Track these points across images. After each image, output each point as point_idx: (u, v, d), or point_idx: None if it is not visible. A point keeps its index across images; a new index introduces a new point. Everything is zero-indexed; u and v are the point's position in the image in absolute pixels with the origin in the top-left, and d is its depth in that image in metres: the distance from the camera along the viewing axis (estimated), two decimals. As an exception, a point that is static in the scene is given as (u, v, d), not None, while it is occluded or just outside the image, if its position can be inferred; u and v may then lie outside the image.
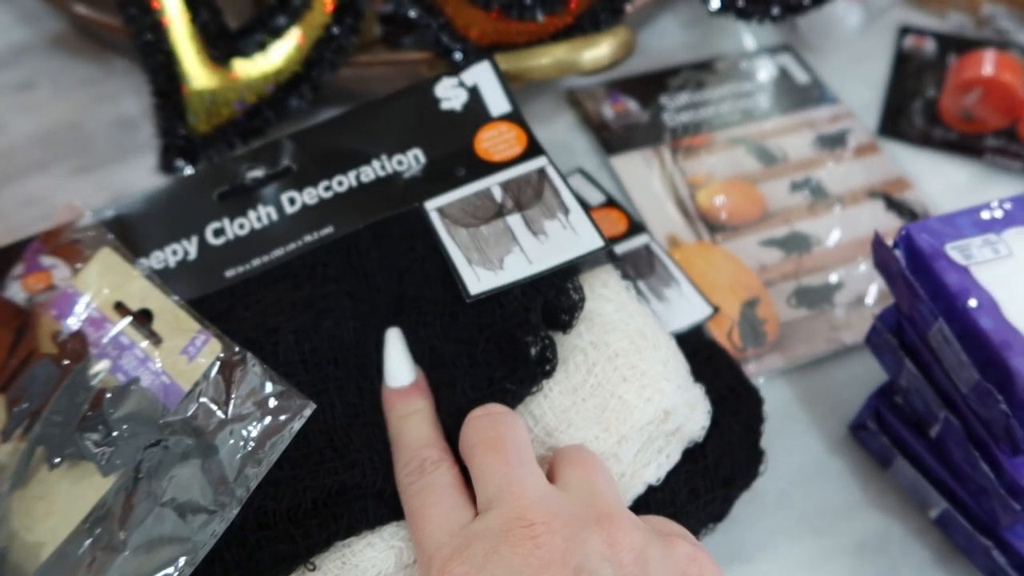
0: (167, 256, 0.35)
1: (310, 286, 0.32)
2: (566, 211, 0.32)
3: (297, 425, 0.26)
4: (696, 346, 0.36)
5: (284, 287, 0.32)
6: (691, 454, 0.33)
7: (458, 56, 0.43)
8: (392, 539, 0.28)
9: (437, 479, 0.27)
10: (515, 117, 0.36)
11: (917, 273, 0.32)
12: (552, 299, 0.30)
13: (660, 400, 0.30)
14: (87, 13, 0.46)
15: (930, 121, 0.50)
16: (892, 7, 0.55)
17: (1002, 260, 0.32)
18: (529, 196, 0.33)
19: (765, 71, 0.52)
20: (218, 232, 0.36)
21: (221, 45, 0.43)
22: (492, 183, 0.34)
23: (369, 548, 0.27)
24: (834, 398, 0.39)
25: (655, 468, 0.32)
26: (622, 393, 0.30)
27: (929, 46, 0.54)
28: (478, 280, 0.31)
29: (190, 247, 0.35)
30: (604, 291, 0.33)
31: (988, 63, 0.48)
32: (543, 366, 0.29)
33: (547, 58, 0.42)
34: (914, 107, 0.51)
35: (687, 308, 0.38)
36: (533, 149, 0.35)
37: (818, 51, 0.54)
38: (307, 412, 0.26)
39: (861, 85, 0.52)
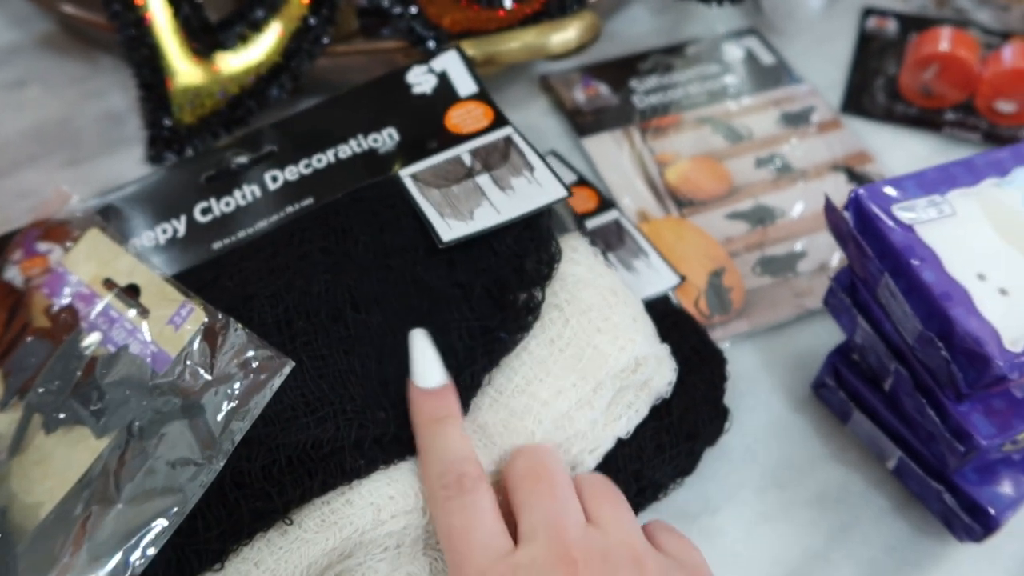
0: (157, 235, 0.37)
1: (287, 251, 0.33)
2: (531, 168, 0.34)
3: (277, 382, 0.27)
4: (663, 312, 0.38)
5: (264, 256, 0.34)
6: (657, 411, 0.35)
7: (431, 44, 0.45)
8: (370, 496, 0.29)
9: (479, 500, 0.28)
10: (482, 96, 0.39)
11: (865, 233, 0.34)
12: (533, 250, 0.32)
13: (632, 349, 0.32)
14: (74, 12, 0.47)
15: (891, 97, 0.52)
16: (853, -12, 0.57)
17: (945, 219, 0.34)
18: (496, 159, 0.35)
19: (731, 54, 0.54)
20: (205, 211, 0.38)
21: (203, 39, 0.45)
22: (462, 151, 0.36)
23: (348, 505, 0.29)
24: (797, 360, 0.41)
25: (625, 421, 0.33)
26: (597, 343, 0.32)
27: (891, 26, 0.56)
28: (450, 229, 0.33)
29: (179, 226, 0.37)
30: (575, 255, 0.35)
31: (944, 40, 0.50)
32: (528, 316, 0.31)
33: (516, 42, 0.44)
34: (876, 84, 0.53)
35: (655, 278, 0.40)
36: (500, 121, 0.37)
37: (783, 34, 0.55)
38: (286, 370, 0.27)
39: (825, 65, 0.54)
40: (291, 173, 0.38)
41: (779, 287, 0.42)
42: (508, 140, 0.36)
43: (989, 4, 0.55)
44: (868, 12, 0.57)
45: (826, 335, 0.41)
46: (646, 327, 0.33)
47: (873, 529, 0.36)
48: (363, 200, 0.35)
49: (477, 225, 0.33)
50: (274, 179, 0.38)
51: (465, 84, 0.40)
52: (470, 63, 0.40)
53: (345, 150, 0.38)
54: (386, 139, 0.38)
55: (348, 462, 0.28)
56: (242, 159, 0.39)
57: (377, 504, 0.29)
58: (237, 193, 0.38)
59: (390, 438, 0.29)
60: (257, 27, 0.45)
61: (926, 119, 0.51)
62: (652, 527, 0.31)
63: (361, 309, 0.31)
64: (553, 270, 0.32)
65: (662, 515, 0.35)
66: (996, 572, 0.35)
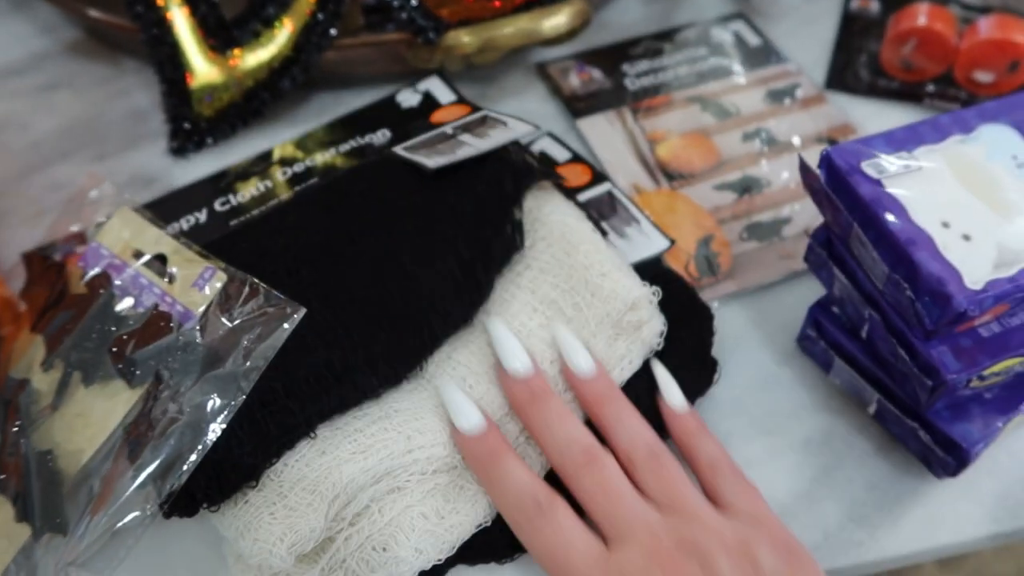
0: (181, 224, 0.42)
1: (294, 215, 0.37)
2: (504, 123, 0.39)
3: (289, 326, 0.30)
4: (655, 273, 0.40)
5: (274, 222, 0.38)
6: (651, 363, 0.37)
7: (432, 35, 0.48)
8: (402, 427, 0.32)
9: (560, 514, 0.31)
10: (461, 101, 0.45)
11: (836, 189, 0.36)
12: (510, 173, 0.37)
13: (628, 291, 0.35)
14: (100, 15, 0.51)
15: (874, 73, 0.54)
16: (836, -28, 0.60)
17: (912, 173, 0.36)
18: (474, 127, 0.39)
19: (719, 37, 0.56)
20: (224, 203, 0.43)
21: (220, 35, 0.48)
22: (445, 127, 0.41)
23: (382, 432, 0.31)
24: (783, 317, 0.43)
25: (618, 372, 0.36)
26: (599, 282, 0.35)
27: (874, 6, 0.58)
28: (435, 162, 0.38)
29: (201, 216, 0.43)
30: (566, 207, 0.38)
31: (921, 15, 0.52)
32: (515, 235, 0.35)
33: (511, 27, 0.46)
34: (859, 61, 0.55)
35: (647, 242, 0.43)
36: (476, 110, 0.40)
37: (769, 17, 0.58)
38: (298, 315, 0.30)
39: (811, 45, 0.56)
40: (298, 167, 0.43)
41: (765, 251, 0.45)
42: (486, 117, 0.40)
43: (968, -18, 0.57)
44: (851, -6, 0.59)
45: (809, 293, 0.43)
46: (632, 272, 0.36)
47: (856, 470, 0.38)
48: (360, 170, 0.39)
49: (459, 156, 0.37)
50: (284, 173, 0.43)
51: (446, 95, 0.46)
52: (450, 81, 0.47)
53: (344, 147, 0.43)
54: (380, 137, 0.44)
55: (360, 379, 0.30)
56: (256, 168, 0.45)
57: (407, 434, 0.32)
58: (252, 188, 0.43)
59: (395, 353, 0.32)
60: (269, 23, 0.48)
61: (908, 92, 0.53)
62: (711, 473, 0.34)
63: (358, 243, 0.35)
64: (527, 188, 0.37)
65: (655, 461, 0.38)
66: (973, 507, 0.37)
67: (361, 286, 0.33)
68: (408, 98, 0.48)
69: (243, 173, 0.45)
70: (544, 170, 0.39)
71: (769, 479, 0.38)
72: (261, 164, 0.46)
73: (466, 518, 0.32)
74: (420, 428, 0.31)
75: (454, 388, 0.33)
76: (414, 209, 0.36)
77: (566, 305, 0.35)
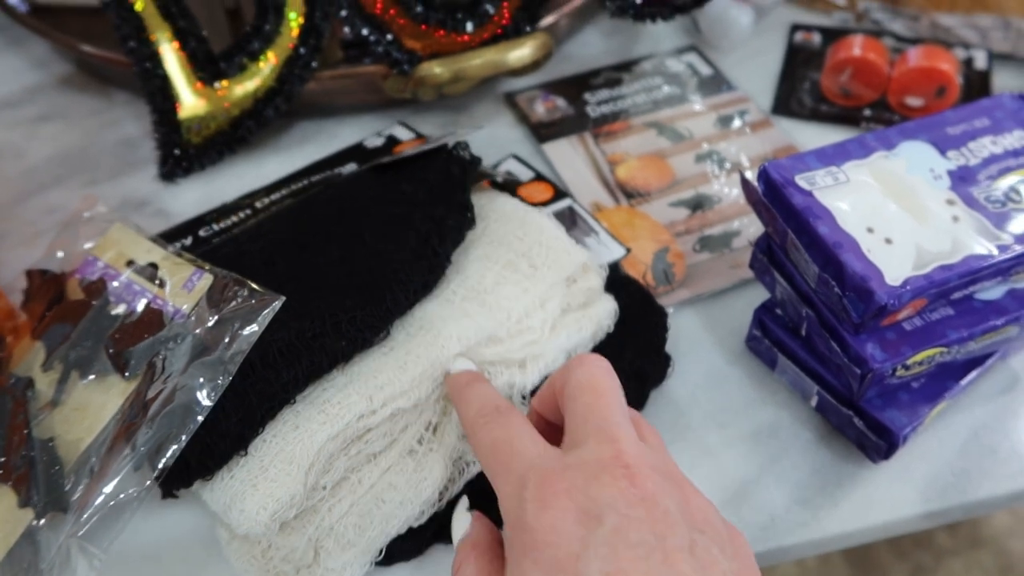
0: (167, 252, 0.45)
1: (270, 224, 0.42)
2: (452, 135, 0.44)
3: (270, 313, 0.33)
4: (613, 277, 0.44)
5: (253, 231, 0.42)
6: (610, 357, 0.40)
7: (406, 67, 0.52)
8: (363, 388, 0.34)
9: (515, 418, 0.30)
10: (417, 136, 0.51)
11: (773, 200, 0.40)
12: (456, 163, 0.41)
13: (576, 255, 0.39)
14: (91, 50, 0.54)
15: (816, 99, 0.58)
16: (777, 6, 0.65)
17: (840, 185, 0.40)
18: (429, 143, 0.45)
19: (674, 68, 0.61)
20: (206, 230, 0.47)
21: (208, 68, 0.51)
22: (404, 151, 0.45)
23: (345, 397, 0.34)
24: (732, 321, 0.46)
25: (565, 337, 0.39)
26: (553, 244, 0.39)
27: (816, 39, 0.63)
28: (390, 158, 0.44)
29: (186, 241, 0.47)
30: (507, 199, 0.43)
31: (856, 46, 0.57)
32: (467, 212, 0.39)
33: (479, 59, 0.50)
34: (803, 89, 0.59)
35: (605, 251, 0.46)
36: (431, 143, 0.45)
37: (720, 50, 0.62)
38: (277, 304, 0.33)
39: (758, 74, 0.61)
40: (277, 195, 0.47)
41: (716, 261, 0.48)
42: (437, 138, 0.46)
43: (901, 15, 0.63)
44: (795, 28, 0.64)
45: (756, 298, 0.46)
46: (578, 245, 0.41)
47: (801, 458, 0.41)
48: (326, 184, 0.45)
49: (410, 152, 0.42)
50: (260, 201, 0.47)
51: (406, 135, 0.52)
52: (409, 126, 0.53)
53: (316, 177, 0.48)
54: (347, 169, 0.49)
55: (329, 343, 0.33)
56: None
57: (368, 394, 0.34)
58: (233, 218, 0.47)
59: (360, 316, 0.35)
60: (254, 56, 0.51)
61: (846, 116, 0.57)
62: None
63: (325, 233, 0.39)
64: (472, 174, 0.41)
65: (616, 453, 0.41)
66: (907, 489, 0.40)
67: (329, 266, 0.37)
68: (373, 141, 0.53)
69: (223, 211, 0.49)
70: (488, 171, 0.45)
71: (722, 467, 0.41)
72: (241, 201, 0.50)
73: (439, 473, 0.34)
74: (380, 384, 0.34)
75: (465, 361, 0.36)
76: (373, 200, 0.40)
77: (522, 264, 0.39)
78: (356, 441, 0.33)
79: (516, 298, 0.38)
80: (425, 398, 0.35)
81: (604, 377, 0.30)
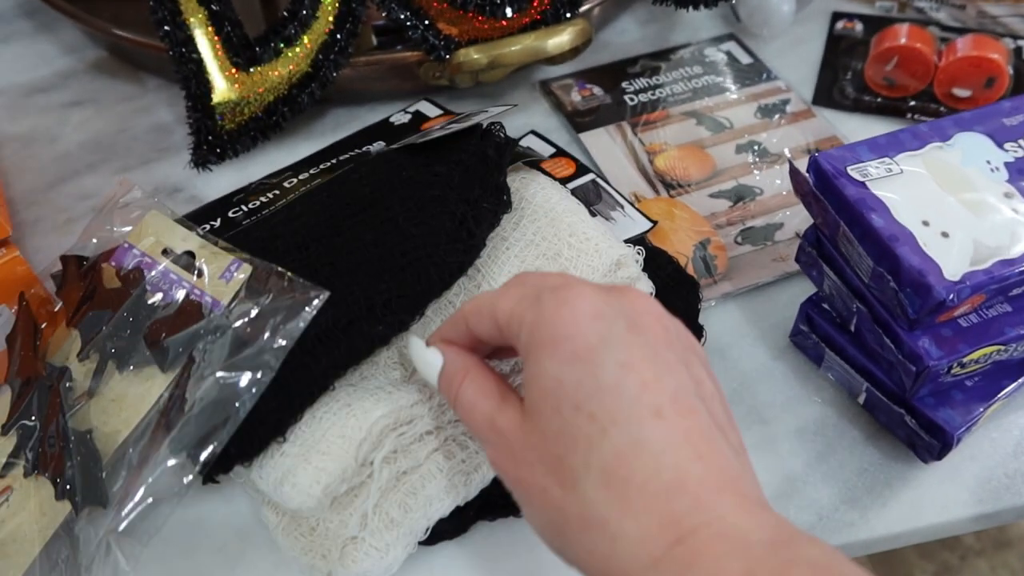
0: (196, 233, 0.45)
1: (302, 206, 0.41)
2: (485, 111, 0.44)
3: (313, 308, 0.33)
4: (642, 249, 0.43)
5: (284, 213, 0.41)
6: None
7: (443, 53, 0.51)
8: (414, 380, 0.34)
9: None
10: (445, 113, 0.49)
11: (824, 191, 0.39)
12: (492, 144, 0.41)
13: (609, 251, 0.38)
14: (123, 34, 0.54)
15: (859, 90, 0.57)
16: (820, -6, 0.63)
17: (894, 177, 0.39)
18: (458, 121, 0.44)
19: (713, 56, 0.59)
20: (235, 211, 0.46)
21: (242, 53, 0.51)
22: (433, 128, 0.45)
23: (397, 388, 0.34)
24: (776, 316, 0.45)
25: None
26: (582, 245, 0.38)
27: (858, 28, 0.61)
28: (424, 136, 0.42)
29: (215, 223, 0.46)
30: (549, 186, 0.42)
31: (902, 35, 0.55)
32: (503, 195, 0.38)
33: (517, 46, 0.49)
34: (845, 79, 0.58)
35: (631, 224, 0.45)
36: (459, 116, 0.45)
37: (760, 38, 0.61)
38: (322, 297, 0.33)
39: (799, 64, 0.59)
40: (303, 176, 0.47)
41: (759, 254, 0.47)
42: (468, 114, 0.45)
43: (947, 4, 0.61)
44: (837, 16, 0.62)
45: (800, 293, 0.45)
46: (615, 237, 0.40)
47: (847, 456, 0.40)
48: (357, 164, 0.44)
49: (445, 132, 0.41)
50: (289, 181, 0.46)
51: (434, 112, 0.51)
52: (436, 103, 0.53)
53: (343, 157, 0.47)
54: (377, 147, 0.48)
55: (366, 327, 0.33)
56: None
57: (419, 387, 0.34)
58: (261, 198, 0.46)
59: (396, 300, 0.34)
60: (290, 41, 0.50)
61: (891, 107, 0.56)
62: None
63: (359, 216, 0.38)
64: (507, 155, 0.40)
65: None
66: (958, 490, 0.39)
67: (363, 250, 0.37)
68: (400, 118, 0.52)
69: (252, 190, 0.48)
70: (524, 149, 0.43)
71: (766, 465, 0.40)
72: (269, 180, 0.49)
73: (487, 470, 0.34)
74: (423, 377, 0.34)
75: (417, 345, 0.33)
76: (407, 182, 0.39)
77: (553, 268, 0.38)
78: (406, 424, 0.33)
79: None
80: None
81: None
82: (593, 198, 0.46)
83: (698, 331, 0.42)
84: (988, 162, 0.39)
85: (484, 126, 0.42)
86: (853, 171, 0.39)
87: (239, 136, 0.52)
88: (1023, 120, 0.41)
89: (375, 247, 0.37)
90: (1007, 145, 0.40)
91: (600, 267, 0.38)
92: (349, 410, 0.32)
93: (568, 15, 0.51)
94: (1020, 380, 0.39)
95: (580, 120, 0.55)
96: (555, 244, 0.39)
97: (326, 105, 0.56)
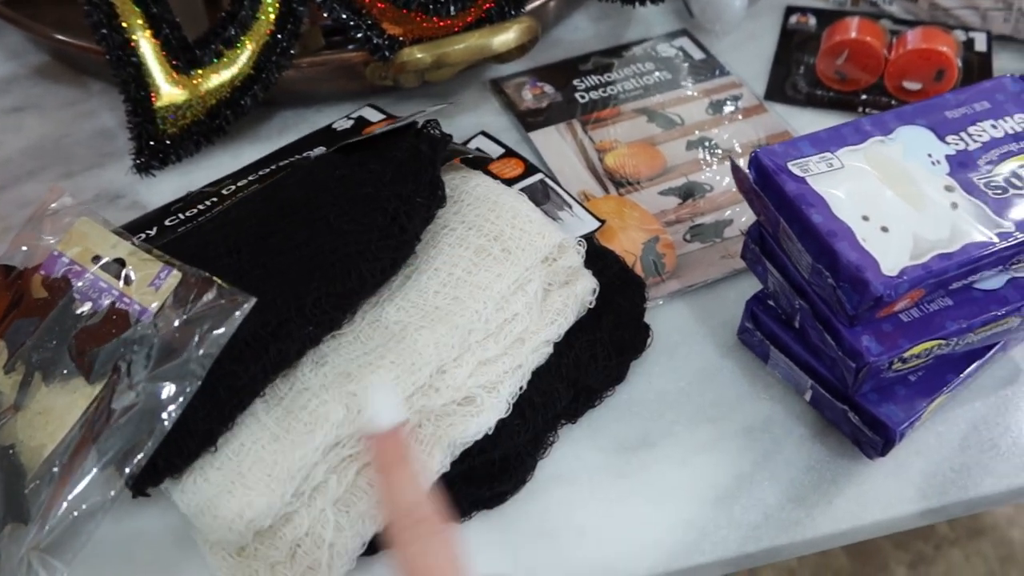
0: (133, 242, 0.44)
1: (236, 211, 0.41)
2: (420, 113, 0.43)
3: (240, 314, 0.32)
4: (589, 249, 0.43)
5: (218, 219, 0.41)
6: (590, 327, 0.40)
7: (386, 52, 0.50)
8: (338, 396, 0.33)
9: (435, 539, 0.27)
10: (387, 117, 0.49)
11: (764, 187, 0.38)
12: (425, 141, 0.40)
13: (551, 236, 0.38)
14: (65, 38, 0.53)
15: (811, 84, 0.57)
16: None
17: (834, 172, 0.38)
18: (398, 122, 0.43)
19: (665, 52, 0.59)
20: (172, 220, 0.45)
21: (182, 56, 0.50)
22: (374, 131, 0.44)
23: (323, 405, 0.33)
24: (724, 313, 0.45)
25: (555, 328, 0.38)
26: (525, 227, 0.38)
27: (811, 22, 0.61)
28: (356, 138, 0.42)
29: (151, 232, 0.45)
30: (490, 180, 0.41)
31: (852, 28, 0.55)
32: (437, 190, 0.38)
33: (462, 44, 0.49)
34: (797, 73, 0.58)
35: (579, 224, 0.45)
36: (399, 122, 0.44)
37: (712, 34, 0.61)
38: (248, 305, 0.32)
39: (751, 59, 0.59)
40: (242, 181, 0.46)
41: (708, 251, 0.47)
42: (406, 118, 0.44)
43: (899, -2, 0.61)
44: (790, 10, 0.62)
45: (749, 290, 0.45)
46: (554, 225, 0.40)
47: (794, 453, 0.40)
48: (292, 168, 0.43)
49: (378, 131, 0.41)
50: (227, 188, 0.45)
51: (376, 116, 0.51)
52: (380, 109, 0.53)
53: (283, 162, 0.46)
54: (316, 152, 0.47)
55: (295, 329, 0.32)
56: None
57: (344, 402, 0.33)
58: (199, 205, 0.45)
59: (326, 297, 0.33)
60: (231, 44, 0.50)
61: (842, 102, 0.56)
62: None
63: (290, 216, 0.37)
64: (441, 151, 0.40)
65: (605, 451, 0.39)
66: (903, 486, 0.39)
67: (294, 250, 0.36)
68: (343, 124, 0.52)
69: (191, 199, 0.47)
70: (459, 147, 0.43)
71: (713, 463, 0.39)
72: (208, 189, 0.48)
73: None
74: (353, 391, 0.33)
75: (387, 388, 0.32)
76: (339, 180, 0.39)
77: (495, 249, 0.37)
78: (335, 447, 0.32)
79: (489, 285, 0.37)
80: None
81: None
82: (541, 198, 0.46)
83: (644, 331, 0.41)
84: (929, 155, 0.39)
85: (420, 124, 0.41)
86: (794, 167, 0.38)
87: (182, 141, 0.51)
88: (965, 113, 0.41)
89: (306, 247, 0.36)
90: (949, 138, 0.40)
91: (543, 248, 0.38)
92: (276, 445, 0.31)
93: (514, 13, 0.50)
94: (963, 374, 0.39)
95: (531, 119, 0.54)
96: (496, 225, 0.38)
97: (272, 107, 0.55)
